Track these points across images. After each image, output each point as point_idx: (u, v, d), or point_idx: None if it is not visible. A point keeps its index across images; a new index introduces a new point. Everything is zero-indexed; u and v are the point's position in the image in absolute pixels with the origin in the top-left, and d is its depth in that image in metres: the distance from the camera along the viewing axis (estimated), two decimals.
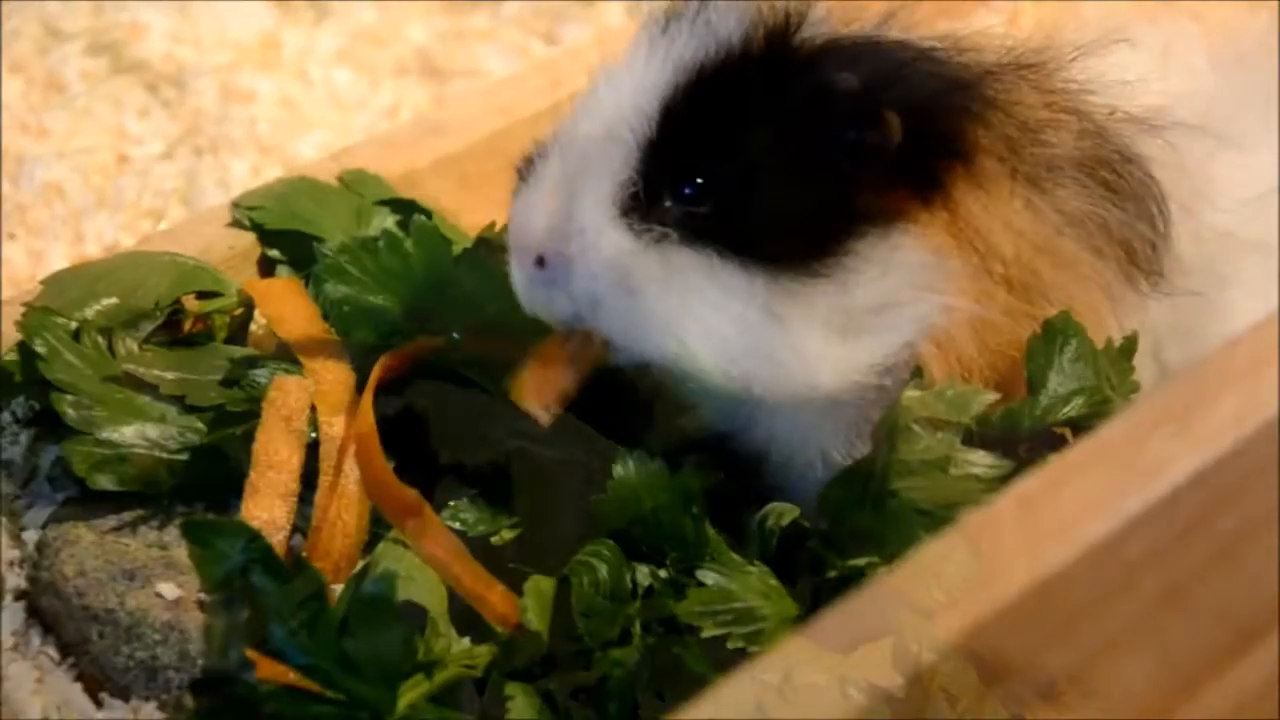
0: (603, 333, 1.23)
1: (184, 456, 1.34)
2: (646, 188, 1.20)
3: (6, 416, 1.41)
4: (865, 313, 1.20)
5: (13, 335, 1.38)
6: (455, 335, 1.38)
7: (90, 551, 1.31)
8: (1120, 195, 1.26)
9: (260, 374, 1.37)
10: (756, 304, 1.19)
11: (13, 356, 1.38)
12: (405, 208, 1.57)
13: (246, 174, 1.95)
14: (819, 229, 1.19)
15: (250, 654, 1.13)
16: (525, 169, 1.25)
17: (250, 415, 1.34)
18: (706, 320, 1.20)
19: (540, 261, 1.22)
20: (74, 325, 1.39)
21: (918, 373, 1.21)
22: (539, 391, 1.25)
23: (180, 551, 1.29)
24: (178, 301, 1.45)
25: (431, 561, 1.24)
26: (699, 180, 1.21)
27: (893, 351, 1.21)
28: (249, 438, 1.33)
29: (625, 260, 1.20)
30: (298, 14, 2.25)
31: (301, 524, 1.33)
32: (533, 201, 1.23)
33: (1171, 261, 1.29)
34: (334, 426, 1.34)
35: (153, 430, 1.35)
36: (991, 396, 1.22)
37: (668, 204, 1.21)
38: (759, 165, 1.20)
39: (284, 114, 2.06)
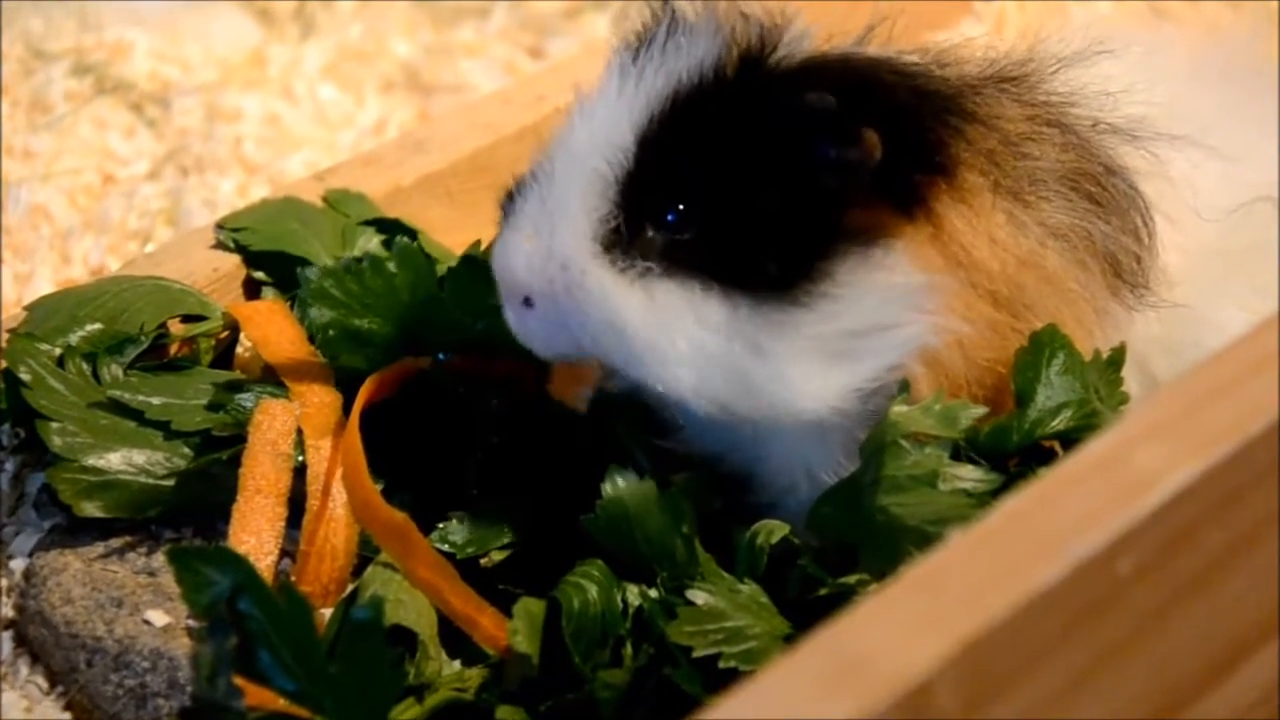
0: (596, 363, 1.23)
1: (170, 482, 1.34)
2: (628, 220, 1.20)
3: None
4: (850, 338, 1.20)
5: None
6: (441, 356, 1.38)
7: (78, 579, 1.30)
8: (1105, 208, 1.25)
9: (246, 398, 1.36)
10: (740, 337, 1.19)
11: None
12: (390, 227, 1.57)
13: (233, 193, 1.94)
14: (802, 250, 1.19)
15: (239, 681, 1.12)
16: (508, 204, 1.25)
17: (237, 440, 1.34)
18: (691, 353, 1.19)
19: (528, 301, 1.22)
20: (58, 351, 1.39)
21: (905, 387, 1.21)
22: (571, 383, 1.30)
23: (168, 578, 1.29)
24: (163, 326, 1.44)
25: (420, 585, 1.24)
26: (681, 207, 1.20)
27: (879, 375, 1.21)
28: (235, 462, 1.32)
29: (610, 297, 1.19)
30: (283, 30, 2.24)
31: (290, 548, 1.32)
32: (515, 241, 1.23)
33: (1157, 274, 1.28)
34: (321, 450, 1.33)
35: (139, 456, 1.34)
36: (980, 410, 1.22)
37: (651, 234, 1.20)
38: (740, 188, 1.20)
39: (270, 132, 2.06)
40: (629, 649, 1.21)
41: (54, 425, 1.34)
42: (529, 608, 1.21)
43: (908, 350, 1.21)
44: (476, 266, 1.38)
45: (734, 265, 1.19)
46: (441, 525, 1.30)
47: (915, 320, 1.20)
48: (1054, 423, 1.23)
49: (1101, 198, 1.26)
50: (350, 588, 1.29)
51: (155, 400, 1.36)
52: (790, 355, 1.19)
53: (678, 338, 1.19)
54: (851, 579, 1.19)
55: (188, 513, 1.36)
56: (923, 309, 1.20)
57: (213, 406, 1.37)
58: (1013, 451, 1.22)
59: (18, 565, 1.34)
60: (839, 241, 1.19)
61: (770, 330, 1.19)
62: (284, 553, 1.32)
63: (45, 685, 1.29)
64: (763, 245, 1.19)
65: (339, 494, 1.30)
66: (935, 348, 1.21)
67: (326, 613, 1.26)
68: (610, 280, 1.20)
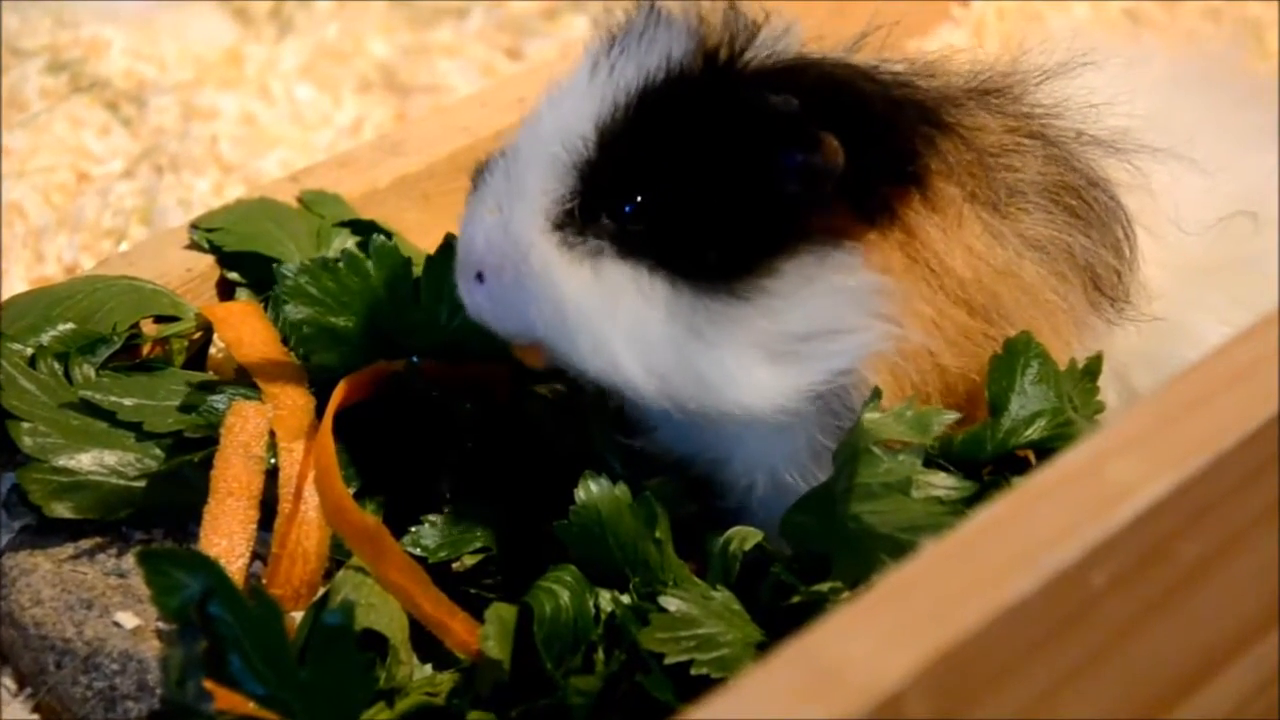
0: (541, 345, 1.23)
1: (142, 483, 1.34)
2: (584, 206, 1.21)
3: None
4: (796, 338, 1.20)
5: None
6: (415, 358, 1.38)
7: (47, 580, 1.30)
8: (1086, 221, 1.25)
9: (219, 400, 1.36)
10: (683, 322, 1.19)
11: None
12: (365, 228, 1.57)
13: (208, 192, 1.94)
14: (752, 250, 1.19)
15: (209, 684, 1.12)
16: (477, 178, 1.25)
17: (209, 441, 1.33)
18: (634, 337, 1.20)
19: (480, 276, 1.23)
20: (30, 351, 1.38)
21: (876, 394, 1.20)
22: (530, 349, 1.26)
23: (138, 580, 1.28)
24: (136, 326, 1.44)
25: (392, 589, 1.23)
26: (638, 198, 1.20)
27: (827, 377, 1.21)
28: (207, 464, 1.32)
29: (556, 276, 1.20)
30: (260, 30, 2.23)
31: (261, 551, 1.32)
32: (474, 216, 1.24)
33: (1138, 287, 1.28)
34: (293, 452, 1.33)
35: (110, 457, 1.34)
36: (952, 416, 1.21)
37: (606, 222, 1.21)
38: (697, 186, 1.20)
39: (246, 131, 2.05)
40: (601, 655, 1.21)
41: (25, 425, 1.33)
42: (501, 613, 1.21)
43: (859, 355, 1.20)
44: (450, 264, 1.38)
45: (683, 255, 1.19)
46: (414, 529, 1.29)
47: (868, 325, 1.20)
48: (1028, 432, 1.22)
49: (1082, 210, 1.26)
50: (321, 591, 1.28)
51: (127, 401, 1.36)
52: (733, 348, 1.19)
53: (620, 321, 1.19)
54: (824, 587, 1.19)
55: (159, 515, 1.35)
56: (877, 314, 1.20)
57: (185, 408, 1.36)
58: (986, 460, 1.22)
59: None
60: (791, 245, 1.19)
61: (713, 321, 1.19)
62: (255, 556, 1.31)
63: (14, 687, 1.29)
64: (710, 242, 1.20)
65: (311, 497, 1.30)
66: (898, 354, 1.21)
67: (297, 616, 1.25)
68: (557, 260, 1.20)
